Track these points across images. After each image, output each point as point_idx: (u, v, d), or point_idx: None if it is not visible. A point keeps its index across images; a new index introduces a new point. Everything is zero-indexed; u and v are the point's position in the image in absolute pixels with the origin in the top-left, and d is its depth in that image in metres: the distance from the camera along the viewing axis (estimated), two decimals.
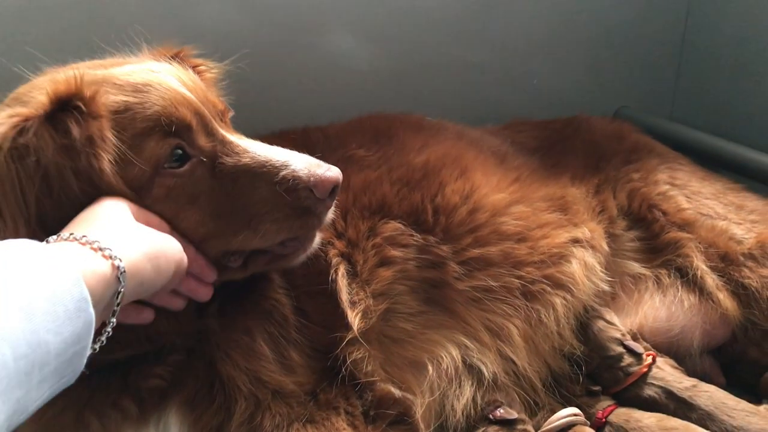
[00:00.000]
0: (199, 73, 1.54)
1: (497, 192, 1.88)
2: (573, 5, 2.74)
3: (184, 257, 1.21)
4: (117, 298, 1.03)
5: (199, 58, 1.58)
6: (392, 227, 1.70)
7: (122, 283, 1.02)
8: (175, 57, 1.50)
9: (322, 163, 1.36)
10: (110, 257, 1.01)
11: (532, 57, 2.76)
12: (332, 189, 1.35)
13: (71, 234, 1.03)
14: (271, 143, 1.77)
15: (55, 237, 1.03)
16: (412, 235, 1.71)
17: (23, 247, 0.93)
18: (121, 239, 1.07)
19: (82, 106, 1.18)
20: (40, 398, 0.89)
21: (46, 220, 1.15)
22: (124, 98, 1.24)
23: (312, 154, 1.78)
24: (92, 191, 1.18)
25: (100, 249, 1.01)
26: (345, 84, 2.47)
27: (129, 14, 2.07)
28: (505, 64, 2.72)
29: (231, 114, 1.51)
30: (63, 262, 0.93)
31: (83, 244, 1.02)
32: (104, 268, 1.00)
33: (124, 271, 1.03)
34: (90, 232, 1.04)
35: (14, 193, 1.13)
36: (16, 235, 1.08)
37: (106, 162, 1.19)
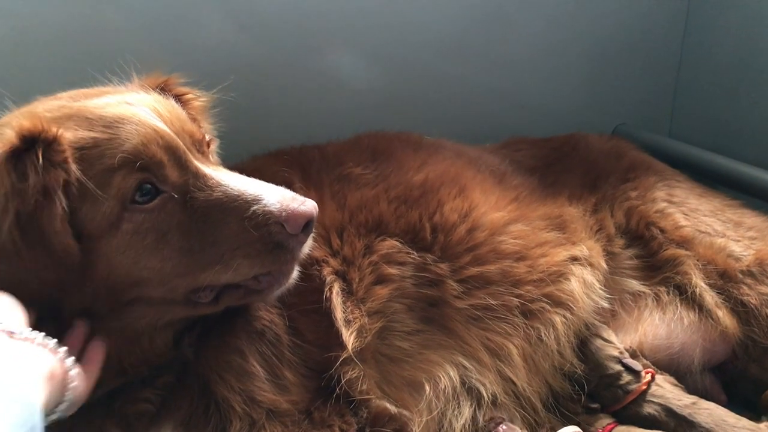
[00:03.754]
0: (187, 101, 1.54)
1: (496, 211, 1.88)
2: (571, 23, 2.76)
3: None
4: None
5: (187, 86, 1.58)
6: (389, 245, 1.70)
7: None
8: (162, 86, 1.50)
9: (297, 196, 1.34)
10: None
11: (530, 75, 2.78)
12: (306, 224, 1.33)
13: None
14: (267, 163, 1.79)
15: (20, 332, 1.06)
16: (409, 253, 1.71)
17: None
18: None
19: (41, 154, 1.17)
20: None
21: None
22: (93, 134, 1.24)
23: (309, 173, 1.80)
24: (21, 238, 1.16)
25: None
26: (343, 103, 2.48)
27: (127, 35, 2.08)
28: (503, 82, 2.74)
29: (214, 143, 1.50)
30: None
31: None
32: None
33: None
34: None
35: None
36: None
37: (59, 211, 1.17)
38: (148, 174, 1.25)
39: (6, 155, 1.16)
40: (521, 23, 2.68)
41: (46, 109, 1.30)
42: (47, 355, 1.05)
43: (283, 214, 1.29)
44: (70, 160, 1.20)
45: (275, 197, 1.31)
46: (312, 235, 1.39)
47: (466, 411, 1.65)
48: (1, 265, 1.17)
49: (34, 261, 1.18)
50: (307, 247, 1.40)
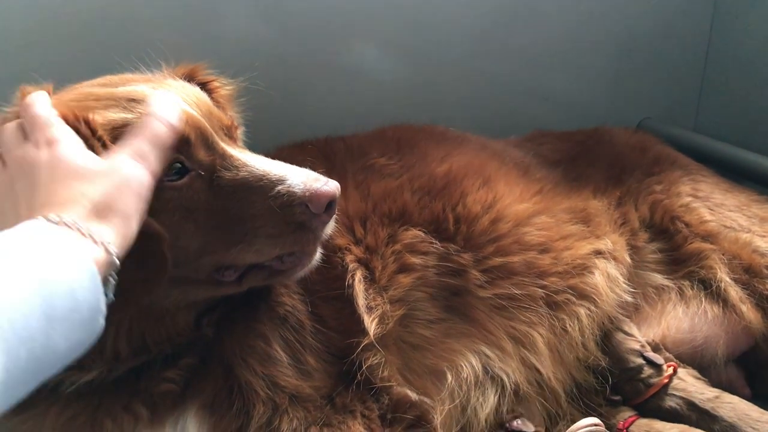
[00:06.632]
0: (213, 89, 1.56)
1: (520, 202, 1.88)
2: (596, 16, 2.75)
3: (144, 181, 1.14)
4: (107, 288, 0.99)
5: (213, 74, 1.59)
6: (412, 234, 1.71)
7: (114, 275, 1.00)
8: (189, 75, 1.52)
9: (320, 176, 1.35)
10: (109, 251, 0.98)
11: (555, 68, 2.77)
12: (329, 203, 1.33)
13: (74, 221, 0.97)
14: (292, 153, 1.81)
15: (56, 218, 0.96)
16: (432, 243, 1.71)
17: (37, 232, 0.92)
18: (101, 220, 1.02)
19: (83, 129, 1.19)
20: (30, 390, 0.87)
21: None
22: (123, 114, 1.25)
23: (333, 163, 1.81)
24: None
25: (101, 242, 0.98)
26: (368, 95, 2.49)
27: (154, 26, 2.11)
28: (527, 76, 2.73)
29: (241, 130, 1.51)
30: (78, 259, 0.92)
31: (84, 234, 0.97)
32: (104, 259, 0.97)
33: (118, 260, 0.99)
34: (76, 218, 0.99)
35: None
36: None
37: None
38: (177, 153, 1.26)
39: None
40: (546, 17, 2.67)
41: (73, 97, 1.31)
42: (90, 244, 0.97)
43: (307, 193, 1.30)
44: (105, 138, 1.21)
45: (299, 178, 1.32)
46: (335, 216, 1.40)
47: (491, 399, 1.65)
48: None
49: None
50: (330, 227, 1.41)
